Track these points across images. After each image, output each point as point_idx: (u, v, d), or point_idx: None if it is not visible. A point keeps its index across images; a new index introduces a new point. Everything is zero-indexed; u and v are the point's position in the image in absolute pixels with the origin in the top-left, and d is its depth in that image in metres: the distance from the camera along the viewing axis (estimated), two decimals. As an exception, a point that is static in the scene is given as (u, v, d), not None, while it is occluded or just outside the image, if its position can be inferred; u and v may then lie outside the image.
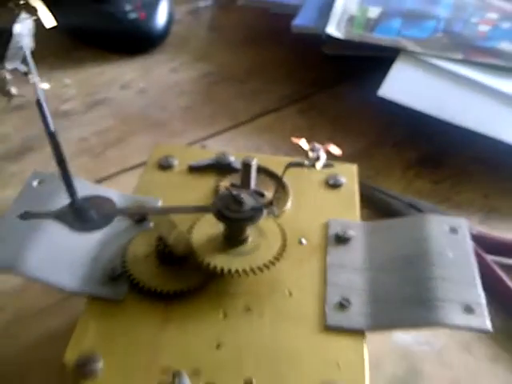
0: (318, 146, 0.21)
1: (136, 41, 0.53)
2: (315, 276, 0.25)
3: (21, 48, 0.21)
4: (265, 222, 0.25)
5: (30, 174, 0.28)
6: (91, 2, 0.51)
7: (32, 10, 0.21)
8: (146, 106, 0.47)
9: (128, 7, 0.51)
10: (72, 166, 0.24)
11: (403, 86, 0.42)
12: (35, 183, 0.27)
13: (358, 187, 0.30)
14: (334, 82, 0.50)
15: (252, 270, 0.23)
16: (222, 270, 0.23)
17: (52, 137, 0.23)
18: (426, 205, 0.37)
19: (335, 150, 0.21)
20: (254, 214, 0.23)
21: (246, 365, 0.22)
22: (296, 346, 0.22)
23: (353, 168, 0.31)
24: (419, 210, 0.36)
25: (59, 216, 0.24)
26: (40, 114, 0.23)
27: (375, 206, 0.38)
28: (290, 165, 0.23)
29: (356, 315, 0.23)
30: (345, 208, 0.29)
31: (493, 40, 0.45)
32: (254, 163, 0.27)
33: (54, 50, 0.52)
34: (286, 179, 0.29)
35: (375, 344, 0.26)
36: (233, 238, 0.24)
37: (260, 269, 0.23)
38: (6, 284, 0.33)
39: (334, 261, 0.26)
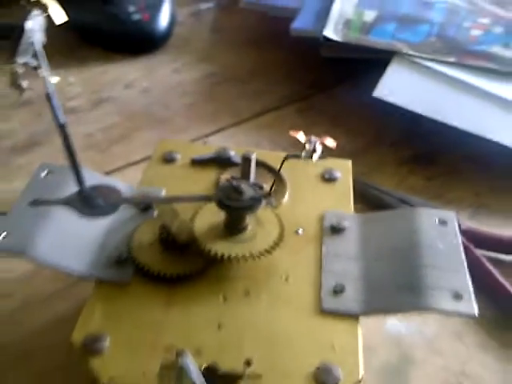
0: (314, 138, 0.22)
1: (139, 41, 0.54)
2: (311, 264, 0.26)
3: (32, 43, 0.22)
4: (263, 212, 0.26)
5: (37, 166, 0.29)
6: (96, 3, 0.53)
7: (43, 7, 0.22)
8: (150, 105, 0.49)
9: (132, 9, 0.53)
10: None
11: (397, 87, 0.43)
12: (43, 174, 0.28)
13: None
14: (331, 83, 0.52)
15: (251, 255, 0.24)
16: (223, 255, 0.24)
17: (62, 128, 0.24)
18: (418, 200, 0.38)
19: (330, 142, 0.22)
20: (253, 203, 0.25)
21: (245, 345, 0.23)
22: (292, 328, 0.24)
23: (347, 163, 0.32)
24: (410, 205, 0.38)
25: (68, 202, 0.25)
26: (50, 106, 0.24)
27: (368, 201, 0.39)
28: (288, 157, 0.24)
29: (350, 300, 0.25)
30: (339, 201, 0.30)
31: (484, 44, 0.46)
32: (254, 157, 0.29)
33: (59, 48, 0.53)
34: (284, 173, 0.31)
35: (369, 333, 0.28)
36: (233, 227, 0.26)
37: (258, 255, 0.25)
38: (13, 272, 0.34)
39: (329, 250, 0.27)
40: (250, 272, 0.26)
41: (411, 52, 0.45)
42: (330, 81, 0.52)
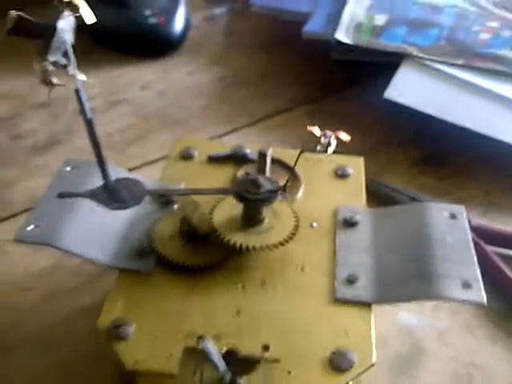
0: (329, 132, 0.23)
1: (155, 45, 0.56)
2: (325, 255, 0.27)
3: (63, 42, 0.23)
4: (279, 205, 0.27)
5: (57, 165, 0.30)
6: (113, 7, 0.54)
7: (74, 8, 0.23)
8: (165, 106, 0.50)
9: (148, 12, 0.54)
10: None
11: (408, 89, 0.44)
12: (68, 169, 0.30)
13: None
14: (342, 85, 0.53)
15: (267, 246, 0.26)
16: (241, 246, 0.25)
17: (89, 123, 0.25)
18: (428, 198, 0.39)
19: (345, 136, 0.23)
20: (270, 196, 0.26)
21: (263, 331, 0.24)
22: (308, 315, 0.25)
23: (360, 160, 0.33)
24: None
25: (93, 195, 0.26)
26: (78, 102, 0.25)
27: (379, 199, 0.40)
28: (303, 151, 0.26)
29: (363, 290, 0.26)
30: (352, 196, 0.31)
31: (493, 47, 0.47)
32: (270, 153, 0.30)
33: (74, 51, 0.54)
34: (298, 170, 0.32)
35: (382, 324, 0.29)
36: (250, 219, 0.27)
37: (275, 246, 0.26)
38: (34, 266, 0.35)
39: (342, 242, 0.28)
40: (267, 263, 0.27)
41: (421, 55, 0.46)
42: (340, 83, 0.53)
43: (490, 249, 0.35)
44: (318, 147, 0.23)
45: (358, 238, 0.28)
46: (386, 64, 0.46)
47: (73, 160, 0.30)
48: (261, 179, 0.26)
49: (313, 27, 0.51)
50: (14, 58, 0.50)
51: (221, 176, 0.32)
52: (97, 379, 0.29)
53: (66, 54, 0.24)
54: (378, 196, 0.40)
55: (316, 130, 0.23)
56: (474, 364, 0.30)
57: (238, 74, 0.54)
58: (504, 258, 0.35)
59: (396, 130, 0.47)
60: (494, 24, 0.50)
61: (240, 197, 0.26)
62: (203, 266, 0.26)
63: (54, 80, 0.23)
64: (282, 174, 0.31)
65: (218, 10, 0.65)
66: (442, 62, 0.46)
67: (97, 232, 0.27)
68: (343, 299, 0.25)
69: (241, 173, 0.32)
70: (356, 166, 0.33)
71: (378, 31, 0.50)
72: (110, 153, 0.44)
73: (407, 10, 0.52)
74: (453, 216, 0.28)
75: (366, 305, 0.25)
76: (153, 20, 0.54)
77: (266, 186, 0.26)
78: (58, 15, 0.23)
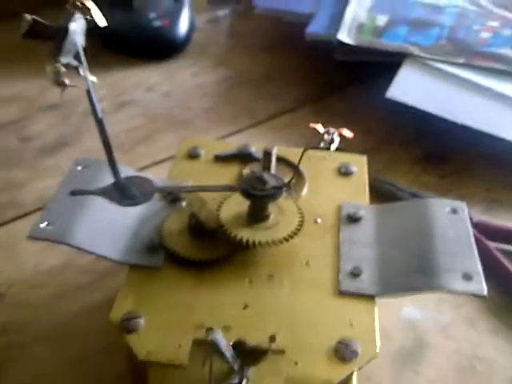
0: (332, 129, 0.24)
1: (160, 47, 0.57)
2: (329, 250, 0.28)
3: (75, 44, 0.24)
4: (284, 202, 0.28)
5: (66, 166, 0.30)
6: (118, 11, 0.55)
7: (86, 11, 0.24)
8: (171, 107, 0.51)
9: (152, 15, 0.55)
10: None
11: (409, 88, 0.45)
12: (79, 168, 0.30)
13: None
14: (344, 85, 0.54)
15: (273, 241, 0.26)
16: (247, 241, 0.26)
17: (100, 123, 0.26)
18: (431, 195, 0.40)
19: (348, 133, 0.24)
20: (275, 192, 0.26)
21: (269, 323, 0.25)
22: (313, 308, 0.25)
23: (363, 158, 0.34)
24: (423, 198, 0.39)
25: (104, 193, 0.27)
26: (89, 102, 0.26)
27: (382, 196, 0.41)
28: (307, 149, 0.26)
29: (367, 282, 0.26)
30: (355, 193, 0.32)
31: (493, 46, 0.48)
32: (274, 151, 0.30)
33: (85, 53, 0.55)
34: (302, 168, 0.32)
35: (386, 319, 0.29)
36: (256, 215, 0.27)
37: (280, 241, 0.26)
38: (44, 264, 0.36)
39: (346, 237, 0.29)
40: (273, 257, 0.27)
41: (422, 54, 0.47)
42: (343, 83, 0.54)
43: (491, 244, 0.36)
44: (322, 144, 0.24)
45: (361, 234, 0.29)
46: (387, 64, 0.47)
47: (84, 159, 0.31)
48: (266, 176, 0.27)
49: (315, 28, 0.51)
50: (26, 61, 0.51)
51: (227, 174, 0.33)
52: (108, 374, 0.30)
53: (77, 56, 0.25)
54: (380, 194, 0.41)
55: (319, 127, 0.24)
56: (476, 357, 0.31)
57: (241, 75, 0.55)
58: (505, 253, 0.36)
59: (398, 128, 0.48)
60: (494, 23, 0.51)
61: (246, 193, 0.26)
62: (211, 261, 0.27)
63: (66, 81, 0.24)
64: (287, 172, 0.32)
65: (222, 12, 0.66)
66: (443, 61, 0.46)
67: (108, 229, 0.28)
68: (347, 292, 0.26)
69: (246, 171, 0.32)
70: (359, 164, 0.33)
71: (379, 31, 0.50)
72: (118, 153, 0.44)
73: (408, 10, 0.53)
74: (454, 211, 0.29)
75: (370, 297, 0.26)
76: (157, 23, 0.55)
77: (272, 182, 0.27)
78: (69, 18, 0.24)
